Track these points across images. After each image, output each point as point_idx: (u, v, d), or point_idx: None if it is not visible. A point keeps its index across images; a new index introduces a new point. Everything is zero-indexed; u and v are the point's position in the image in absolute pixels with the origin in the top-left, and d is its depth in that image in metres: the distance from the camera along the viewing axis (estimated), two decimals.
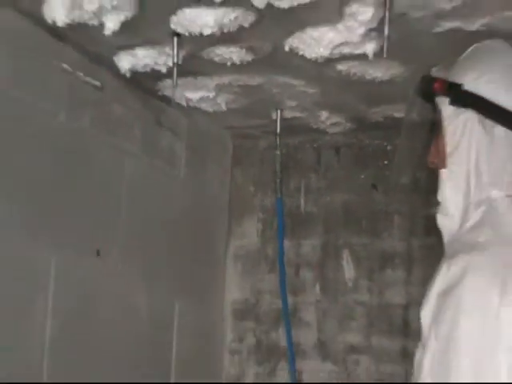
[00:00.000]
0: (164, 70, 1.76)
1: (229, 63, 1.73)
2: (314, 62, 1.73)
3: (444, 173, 1.34)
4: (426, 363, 1.26)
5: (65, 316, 1.73)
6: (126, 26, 1.51)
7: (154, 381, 2.08)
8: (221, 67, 1.81)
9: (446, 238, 1.36)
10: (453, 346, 1.22)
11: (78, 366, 1.79)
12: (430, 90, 1.39)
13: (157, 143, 2.08)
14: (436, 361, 1.25)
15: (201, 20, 1.54)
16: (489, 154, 1.32)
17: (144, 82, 1.89)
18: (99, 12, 1.49)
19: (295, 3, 1.42)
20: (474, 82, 1.32)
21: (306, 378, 2.08)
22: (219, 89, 1.94)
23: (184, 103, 2.00)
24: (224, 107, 2.07)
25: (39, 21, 1.56)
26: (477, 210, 1.33)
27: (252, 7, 1.45)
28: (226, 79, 1.89)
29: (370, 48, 1.59)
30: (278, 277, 2.12)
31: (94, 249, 1.83)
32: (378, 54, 1.59)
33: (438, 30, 1.54)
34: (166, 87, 1.96)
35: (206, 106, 2.05)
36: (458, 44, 1.32)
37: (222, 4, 1.45)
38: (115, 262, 1.89)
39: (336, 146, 2.20)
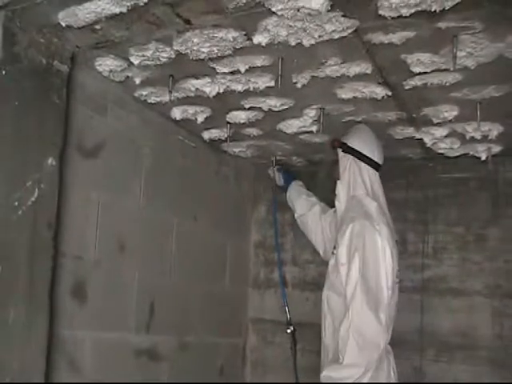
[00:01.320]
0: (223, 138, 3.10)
1: (251, 135, 3.08)
2: (290, 135, 3.02)
3: (339, 182, 2.67)
4: (354, 270, 2.41)
5: (179, 252, 3.07)
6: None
7: (219, 275, 3.42)
8: (247, 137, 3.14)
9: (338, 212, 2.68)
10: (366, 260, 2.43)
11: (188, 271, 3.10)
12: (333, 144, 2.71)
13: (221, 171, 3.48)
14: (363, 267, 2.41)
15: (238, 118, 2.88)
16: (357, 175, 2.63)
17: (214, 143, 3.24)
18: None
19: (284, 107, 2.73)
20: (352, 142, 2.67)
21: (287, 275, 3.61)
22: (247, 147, 3.27)
23: (232, 153, 3.39)
24: (250, 155, 3.42)
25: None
26: (351, 200, 2.61)
27: (262, 111, 2.75)
28: (250, 142, 3.20)
29: (314, 128, 2.84)
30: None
31: (193, 216, 3.19)
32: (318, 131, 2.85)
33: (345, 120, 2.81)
34: (225, 146, 3.31)
35: (242, 154, 3.42)
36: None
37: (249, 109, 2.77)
38: (202, 222, 3.26)
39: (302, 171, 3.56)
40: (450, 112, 2.67)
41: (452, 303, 3.21)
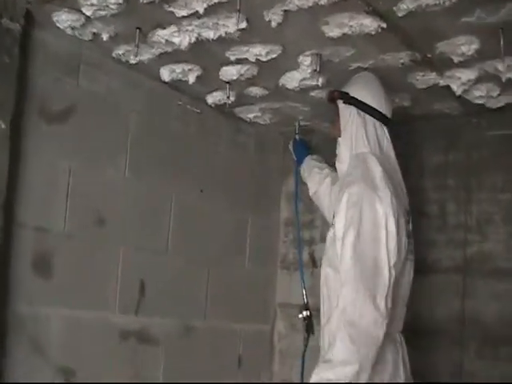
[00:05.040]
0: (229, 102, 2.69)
1: (257, 96, 2.70)
2: (298, 93, 2.59)
3: (340, 139, 2.27)
4: (348, 247, 1.97)
5: (179, 226, 2.72)
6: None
7: (236, 256, 3.03)
8: (254, 99, 2.76)
9: (339, 175, 2.29)
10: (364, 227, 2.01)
11: (191, 250, 2.77)
12: (332, 96, 2.31)
13: (236, 140, 3.13)
14: (359, 243, 1.97)
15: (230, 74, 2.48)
16: (362, 129, 2.22)
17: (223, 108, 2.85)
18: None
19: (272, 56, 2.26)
20: (355, 92, 2.25)
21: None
22: (262, 111, 2.91)
23: (247, 119, 3.04)
24: (268, 121, 3.04)
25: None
26: (354, 159, 2.19)
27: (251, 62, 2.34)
28: (261, 105, 2.85)
29: (320, 80, 2.38)
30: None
31: (199, 188, 2.86)
32: (326, 85, 2.45)
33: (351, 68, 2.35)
34: (238, 112, 2.97)
35: (260, 121, 3.04)
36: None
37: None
38: (211, 196, 2.90)
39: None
40: (468, 45, 2.14)
41: (498, 287, 2.60)
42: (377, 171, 2.10)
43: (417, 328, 2.68)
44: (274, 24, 2.10)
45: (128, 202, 2.56)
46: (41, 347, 2.21)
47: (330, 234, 2.21)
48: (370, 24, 2.06)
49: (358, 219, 2.02)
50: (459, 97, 2.53)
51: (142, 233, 2.60)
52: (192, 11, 2.08)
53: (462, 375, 2.60)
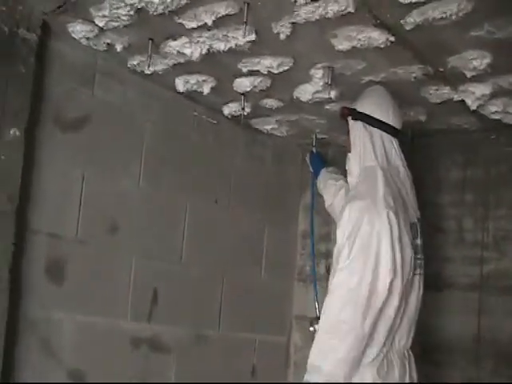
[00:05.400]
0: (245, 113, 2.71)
1: (272, 108, 2.70)
2: (313, 106, 2.59)
3: (350, 154, 2.26)
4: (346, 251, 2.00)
5: (194, 236, 2.74)
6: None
7: (252, 267, 3.01)
8: (270, 110, 2.76)
9: (350, 189, 2.24)
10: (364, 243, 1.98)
11: (206, 260, 2.78)
12: (342, 112, 2.30)
13: (253, 151, 3.12)
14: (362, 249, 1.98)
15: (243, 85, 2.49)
16: (369, 143, 2.20)
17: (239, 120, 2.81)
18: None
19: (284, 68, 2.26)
20: (361, 106, 2.25)
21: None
22: (278, 123, 2.91)
23: (265, 131, 3.04)
24: (285, 133, 3.04)
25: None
26: (363, 173, 2.17)
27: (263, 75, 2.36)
28: (277, 117, 2.85)
29: (332, 93, 2.40)
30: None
31: (214, 199, 2.87)
32: (339, 98, 2.46)
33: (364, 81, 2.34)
34: (255, 124, 2.98)
35: (277, 133, 3.05)
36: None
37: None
38: (226, 207, 2.92)
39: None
40: (480, 60, 2.11)
41: None
42: (380, 187, 2.07)
43: (432, 345, 2.64)
44: (282, 36, 2.10)
45: (142, 211, 2.58)
46: (53, 351, 2.25)
47: (335, 249, 2.19)
48: (378, 37, 2.05)
49: (353, 237, 2.00)
50: (474, 112, 2.48)
51: (155, 241, 2.62)
52: (201, 23, 2.10)
53: None
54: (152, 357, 2.56)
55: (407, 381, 2.08)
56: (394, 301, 2.00)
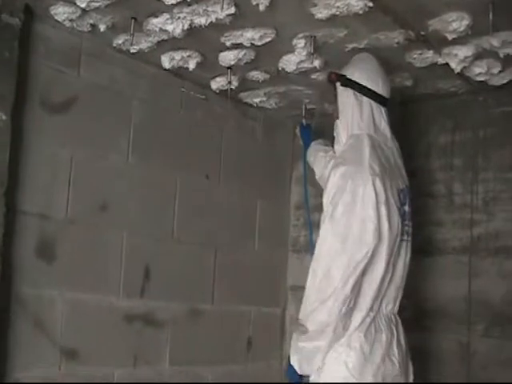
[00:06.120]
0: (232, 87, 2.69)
1: (259, 80, 2.69)
2: (299, 76, 2.58)
3: (338, 121, 2.25)
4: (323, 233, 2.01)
5: (185, 211, 2.75)
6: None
7: (245, 240, 3.03)
8: (257, 83, 2.75)
9: (337, 155, 2.22)
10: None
11: (198, 234, 2.79)
12: (330, 78, 2.27)
13: (243, 125, 3.11)
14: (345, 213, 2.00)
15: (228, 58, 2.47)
16: (358, 110, 2.20)
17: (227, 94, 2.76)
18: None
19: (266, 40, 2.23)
20: (351, 73, 2.23)
21: None
22: (267, 95, 2.90)
23: (254, 104, 3.03)
24: (275, 105, 3.03)
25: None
26: (350, 140, 2.18)
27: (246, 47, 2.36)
28: (266, 90, 2.84)
29: (316, 62, 2.40)
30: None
31: (205, 174, 2.87)
32: (325, 67, 2.44)
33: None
34: (244, 97, 2.98)
35: (267, 105, 3.04)
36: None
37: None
38: (217, 181, 2.93)
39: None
40: (459, 21, 2.10)
41: (506, 265, 2.54)
42: (366, 154, 2.08)
43: (423, 309, 2.67)
44: (262, 7, 2.10)
45: (132, 189, 2.60)
46: (45, 328, 2.28)
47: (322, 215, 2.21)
48: (356, 3, 2.04)
49: (338, 199, 2.01)
50: (460, 75, 2.47)
51: (146, 218, 2.64)
52: None
53: (469, 355, 2.55)
54: (146, 333, 2.59)
55: (395, 345, 2.09)
56: (380, 265, 2.01)
